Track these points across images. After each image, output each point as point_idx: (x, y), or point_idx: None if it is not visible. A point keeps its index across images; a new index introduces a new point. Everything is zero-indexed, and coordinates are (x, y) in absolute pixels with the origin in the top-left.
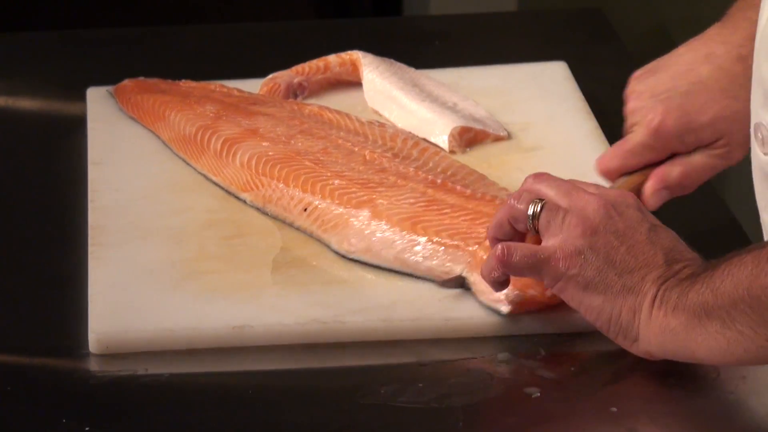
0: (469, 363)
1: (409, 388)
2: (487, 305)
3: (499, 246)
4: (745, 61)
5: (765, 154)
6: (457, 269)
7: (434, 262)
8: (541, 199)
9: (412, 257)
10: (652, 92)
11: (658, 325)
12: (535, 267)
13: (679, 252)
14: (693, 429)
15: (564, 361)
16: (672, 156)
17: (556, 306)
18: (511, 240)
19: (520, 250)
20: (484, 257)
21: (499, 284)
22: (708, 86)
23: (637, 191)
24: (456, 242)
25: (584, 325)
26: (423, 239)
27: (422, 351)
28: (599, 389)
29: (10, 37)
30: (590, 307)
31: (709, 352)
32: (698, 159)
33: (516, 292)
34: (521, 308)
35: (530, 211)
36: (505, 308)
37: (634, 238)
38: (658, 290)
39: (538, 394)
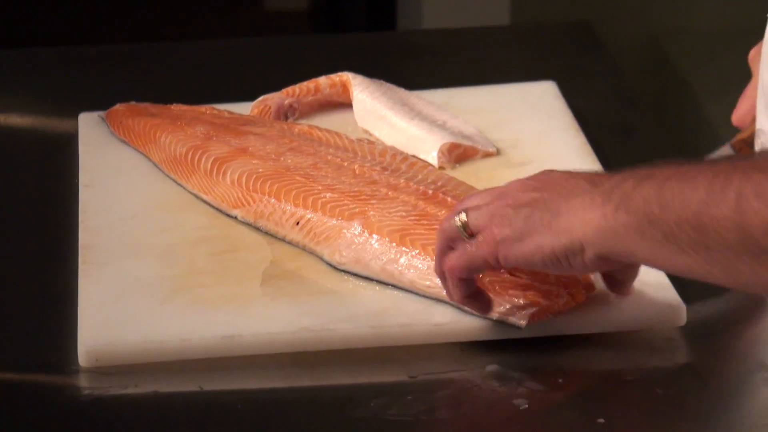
0: (458, 375)
1: (399, 401)
2: (501, 321)
3: (444, 261)
4: None
5: None
6: (438, 282)
7: (416, 275)
8: (464, 211)
9: (397, 269)
10: None
11: (598, 226)
12: (474, 256)
13: (603, 175)
14: None
15: (551, 372)
16: None
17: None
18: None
19: (453, 254)
20: (482, 276)
21: (472, 299)
22: None
23: None
24: None
25: (571, 329)
26: (409, 252)
27: (411, 364)
28: (586, 400)
29: (1, 54)
30: (532, 251)
31: (651, 257)
32: None
33: (529, 304)
34: (536, 319)
35: (458, 222)
36: (522, 322)
37: (554, 183)
38: (591, 198)
39: (526, 406)
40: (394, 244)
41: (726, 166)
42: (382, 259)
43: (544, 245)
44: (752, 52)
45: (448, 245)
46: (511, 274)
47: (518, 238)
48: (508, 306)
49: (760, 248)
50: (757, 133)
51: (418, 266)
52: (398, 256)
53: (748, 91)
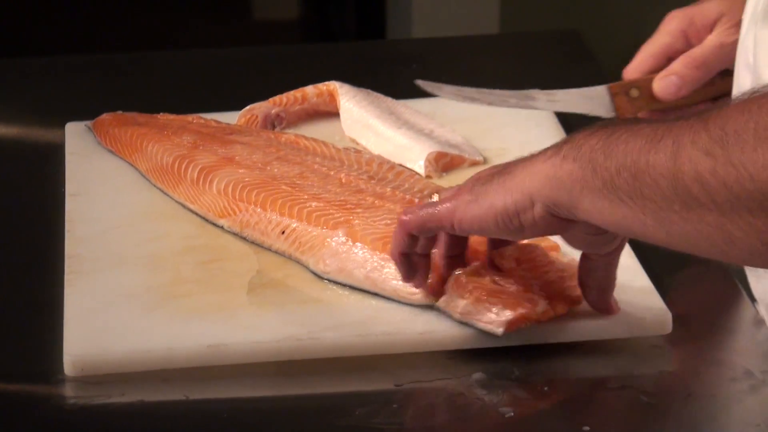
0: (444, 383)
1: (384, 410)
2: (480, 328)
3: (401, 213)
4: None
5: None
6: (420, 290)
7: (399, 284)
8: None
9: (380, 277)
10: None
11: (544, 175)
12: (432, 215)
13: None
14: None
15: (537, 380)
16: None
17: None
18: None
19: (414, 209)
20: (465, 281)
21: (405, 262)
22: None
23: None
24: None
25: (556, 337)
26: (390, 260)
27: (397, 372)
28: (572, 408)
29: None
30: (485, 212)
31: (592, 209)
32: (705, 42)
33: (507, 312)
34: (514, 327)
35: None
36: (499, 330)
37: (512, 164)
38: (546, 154)
39: (512, 414)
40: (377, 253)
41: (671, 120)
42: (366, 268)
43: (496, 203)
44: (670, 14)
45: (418, 231)
46: (494, 282)
47: (474, 200)
48: (486, 313)
49: (690, 196)
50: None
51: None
52: (381, 264)
53: (646, 43)
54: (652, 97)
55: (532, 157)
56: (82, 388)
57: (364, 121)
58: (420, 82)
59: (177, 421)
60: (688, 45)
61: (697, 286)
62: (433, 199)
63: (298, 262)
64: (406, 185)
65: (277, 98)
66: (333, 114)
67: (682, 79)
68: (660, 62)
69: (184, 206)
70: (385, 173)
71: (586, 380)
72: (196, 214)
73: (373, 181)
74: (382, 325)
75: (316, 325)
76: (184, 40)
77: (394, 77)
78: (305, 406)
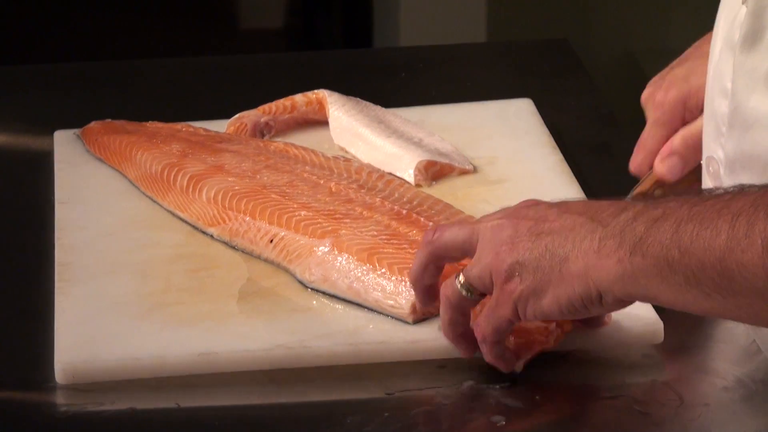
0: (435, 392)
1: (375, 419)
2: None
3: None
4: None
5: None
6: (402, 303)
7: (380, 295)
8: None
9: (363, 288)
10: (662, 77)
11: (614, 273)
12: (499, 320)
13: (598, 206)
14: None
15: (529, 389)
16: None
17: None
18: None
19: (479, 323)
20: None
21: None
22: (706, 53)
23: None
24: (405, 278)
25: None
26: (375, 271)
27: (387, 381)
28: (564, 417)
29: None
30: (549, 305)
31: (673, 301)
32: (700, 120)
33: (524, 350)
34: (530, 356)
35: (458, 286)
36: (518, 370)
37: (547, 221)
38: (599, 242)
39: (504, 423)
40: (361, 263)
41: (744, 205)
42: (349, 278)
43: (560, 297)
44: (645, 94)
45: (456, 312)
46: None
47: (533, 293)
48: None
49: None
50: (708, 161)
51: (384, 285)
52: (365, 274)
53: (645, 137)
54: (667, 188)
55: (579, 237)
56: (73, 396)
57: (353, 130)
58: None
59: (168, 429)
60: (683, 124)
61: None
62: (458, 284)
63: (286, 270)
64: (396, 194)
65: (266, 106)
66: (322, 122)
67: (683, 159)
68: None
69: (173, 214)
70: (375, 182)
71: (578, 389)
72: (186, 222)
73: (363, 191)
74: (373, 333)
75: (307, 334)
76: (168, 50)
77: (383, 86)
78: (296, 414)
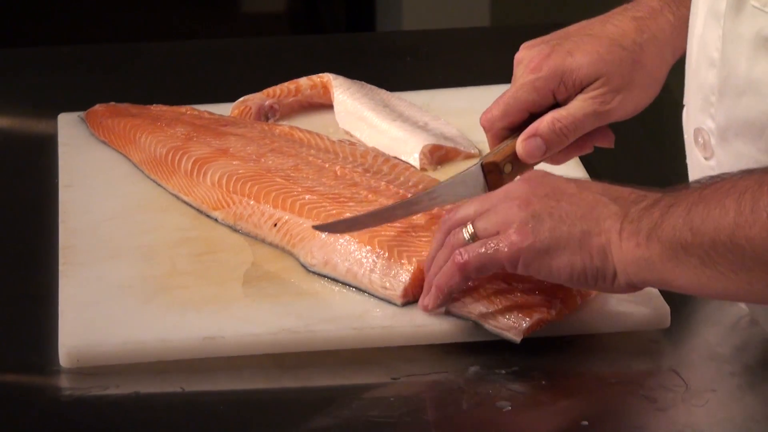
0: (441, 377)
1: (381, 403)
2: (496, 334)
3: (456, 253)
4: (639, 21)
5: (706, 158)
6: (395, 285)
7: (375, 276)
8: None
9: (360, 270)
10: (542, 41)
11: (632, 256)
12: (492, 258)
13: (617, 190)
14: None
15: (535, 374)
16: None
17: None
18: None
19: (471, 249)
20: (474, 284)
21: (447, 298)
22: (596, 34)
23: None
24: (402, 260)
25: (555, 331)
26: (373, 253)
27: (393, 366)
28: (570, 402)
29: None
30: (560, 267)
31: (688, 284)
32: (575, 104)
33: (525, 320)
34: (530, 332)
35: (467, 236)
36: (517, 339)
37: (566, 192)
38: (621, 224)
39: (510, 408)
40: (362, 246)
41: (749, 184)
42: (349, 260)
43: (575, 263)
44: (520, 54)
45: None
46: (506, 282)
47: (545, 251)
48: (502, 320)
49: None
50: (696, 133)
51: (381, 267)
52: (364, 257)
53: (509, 96)
54: (521, 167)
55: (602, 216)
56: (77, 380)
57: (358, 114)
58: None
59: (172, 413)
60: (553, 101)
61: None
62: (466, 233)
63: (290, 254)
64: (402, 178)
65: (270, 90)
66: (327, 106)
67: (547, 143)
68: (522, 118)
69: (178, 198)
70: (380, 166)
71: (584, 375)
72: (190, 205)
73: (368, 174)
74: (378, 318)
75: (312, 318)
76: (170, 33)
77: (388, 69)
78: (301, 398)
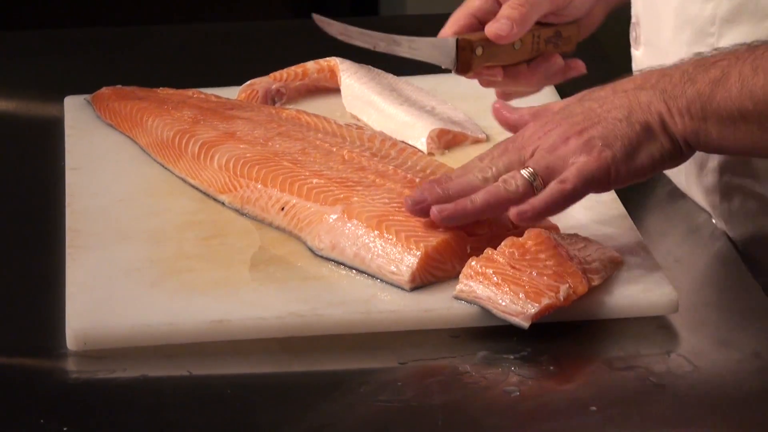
0: (448, 362)
1: (388, 387)
2: (504, 320)
3: (526, 211)
4: None
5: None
6: (403, 270)
7: (383, 261)
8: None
9: (368, 255)
10: None
11: (690, 129)
12: (588, 178)
13: (631, 81)
14: (672, 427)
15: (543, 360)
16: None
17: None
18: None
19: (537, 201)
20: (482, 270)
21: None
22: None
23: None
24: (411, 245)
25: (563, 316)
26: (381, 237)
27: (401, 350)
28: (578, 388)
29: None
30: (644, 163)
31: (742, 147)
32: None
33: (533, 305)
34: (538, 317)
35: (528, 176)
36: (525, 324)
37: (596, 106)
38: (666, 104)
39: (518, 393)
40: (369, 230)
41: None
42: (357, 245)
43: (654, 153)
44: None
45: (505, 201)
46: (512, 267)
47: (627, 156)
48: (511, 306)
49: None
50: (633, 26)
51: (389, 252)
52: (372, 241)
53: (460, 10)
54: (491, 53)
55: (644, 104)
56: (84, 363)
57: (365, 98)
58: (315, 16)
59: (179, 396)
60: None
61: (705, 266)
62: (527, 174)
63: (297, 238)
64: (409, 163)
65: (277, 73)
66: (333, 90)
67: (511, 19)
68: (473, 24)
69: (184, 181)
70: (387, 150)
71: (592, 360)
72: (197, 189)
73: (375, 159)
74: (386, 302)
75: (320, 302)
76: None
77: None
78: (308, 383)
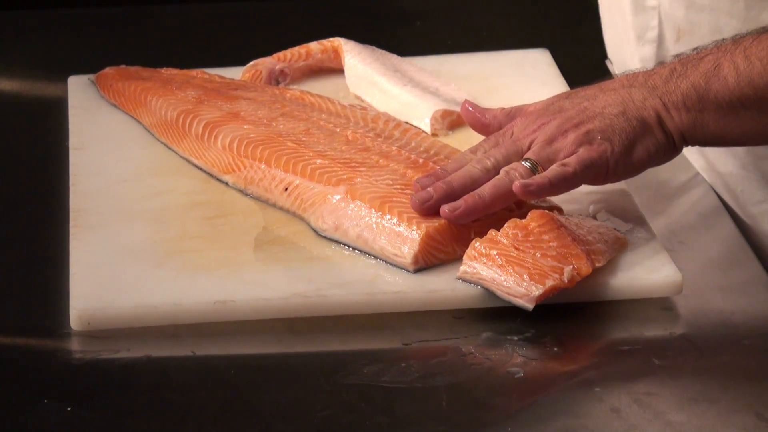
0: (452, 343)
1: (393, 368)
2: (508, 301)
3: (531, 184)
4: None
5: None
6: (405, 251)
7: (386, 242)
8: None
9: (371, 236)
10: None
11: (687, 122)
12: (589, 167)
13: (617, 81)
14: (675, 409)
15: (547, 341)
16: None
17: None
18: None
19: (539, 178)
20: (485, 251)
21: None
22: None
23: None
24: (413, 227)
25: (568, 298)
26: (384, 218)
27: (405, 331)
28: (582, 369)
29: None
30: (641, 157)
31: (742, 135)
32: None
33: (537, 287)
34: (542, 299)
35: (528, 165)
36: (529, 306)
37: (596, 100)
38: (660, 99)
39: (522, 374)
40: (373, 211)
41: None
42: (360, 226)
43: (649, 147)
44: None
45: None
46: (516, 248)
47: (625, 150)
48: (515, 287)
49: None
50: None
51: (391, 233)
52: (375, 222)
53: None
54: None
55: (638, 100)
56: (88, 343)
57: (369, 78)
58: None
59: (183, 376)
60: None
61: (708, 248)
62: (529, 164)
63: (300, 219)
64: (413, 143)
65: (281, 54)
66: (337, 71)
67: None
68: None
69: (188, 161)
70: (391, 131)
71: (596, 342)
72: (201, 169)
73: (379, 139)
74: (390, 283)
75: (324, 283)
76: None
77: (398, 34)
78: (312, 363)
